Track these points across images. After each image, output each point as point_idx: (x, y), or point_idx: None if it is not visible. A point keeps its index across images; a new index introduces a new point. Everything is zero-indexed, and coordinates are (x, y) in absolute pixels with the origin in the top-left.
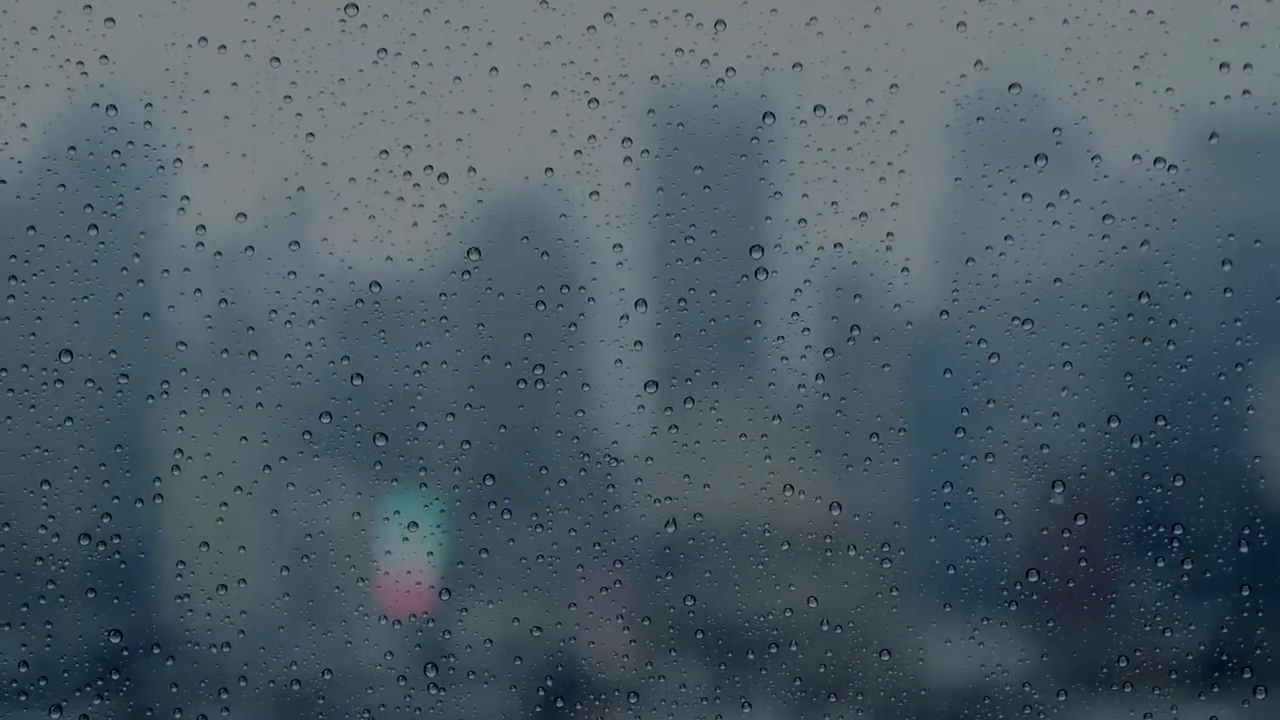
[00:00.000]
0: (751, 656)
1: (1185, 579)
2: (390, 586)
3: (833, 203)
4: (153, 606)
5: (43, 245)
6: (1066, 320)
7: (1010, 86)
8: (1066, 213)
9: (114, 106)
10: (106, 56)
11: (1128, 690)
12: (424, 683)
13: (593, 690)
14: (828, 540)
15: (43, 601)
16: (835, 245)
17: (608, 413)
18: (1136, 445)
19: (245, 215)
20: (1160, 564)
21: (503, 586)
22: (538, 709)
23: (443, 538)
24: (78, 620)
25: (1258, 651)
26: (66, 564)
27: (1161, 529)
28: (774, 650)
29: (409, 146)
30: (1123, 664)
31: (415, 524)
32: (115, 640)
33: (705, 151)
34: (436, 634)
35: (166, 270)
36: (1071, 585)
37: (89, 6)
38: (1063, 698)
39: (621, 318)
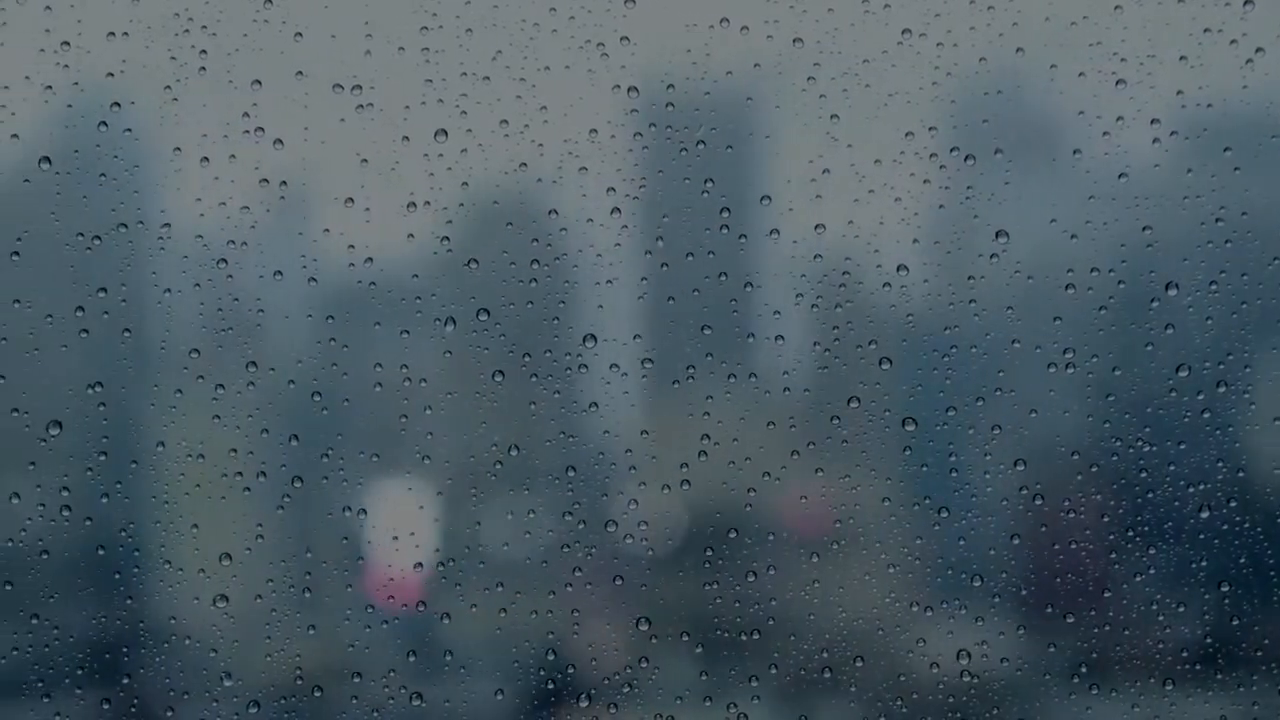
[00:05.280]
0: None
1: None
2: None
3: None
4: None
5: (564, 229)
6: None
7: None
8: None
9: (635, 89)
10: (627, 38)
11: None
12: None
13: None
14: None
15: (518, 595)
16: None
17: (1138, 396)
18: None
19: (769, 199)
20: None
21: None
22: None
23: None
24: (532, 612)
25: None
26: (544, 563)
27: None
28: None
29: (934, 128)
30: None
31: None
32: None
33: (1235, 133)
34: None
35: (690, 254)
36: None
37: None
38: None
39: (1151, 301)
